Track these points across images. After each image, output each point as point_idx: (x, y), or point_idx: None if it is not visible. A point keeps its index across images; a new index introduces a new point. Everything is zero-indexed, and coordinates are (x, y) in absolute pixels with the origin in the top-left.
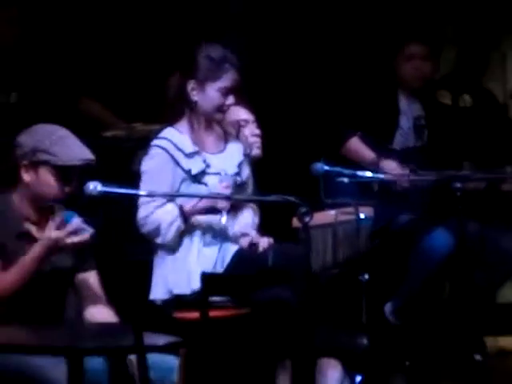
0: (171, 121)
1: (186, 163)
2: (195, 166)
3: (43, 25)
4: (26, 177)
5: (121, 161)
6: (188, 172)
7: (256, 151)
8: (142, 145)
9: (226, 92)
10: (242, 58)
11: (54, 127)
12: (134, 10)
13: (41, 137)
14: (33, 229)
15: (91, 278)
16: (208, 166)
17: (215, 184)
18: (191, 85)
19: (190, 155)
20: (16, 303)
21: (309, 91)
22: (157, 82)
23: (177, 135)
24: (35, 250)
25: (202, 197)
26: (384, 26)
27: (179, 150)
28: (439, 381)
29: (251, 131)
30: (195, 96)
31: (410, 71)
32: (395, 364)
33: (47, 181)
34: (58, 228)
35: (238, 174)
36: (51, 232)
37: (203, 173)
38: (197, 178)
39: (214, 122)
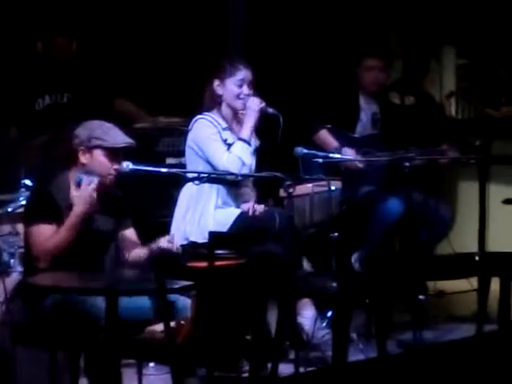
0: (205, 110)
1: (223, 134)
2: (229, 138)
3: (91, 41)
4: (83, 159)
5: (147, 146)
6: (225, 141)
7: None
8: (164, 133)
9: (240, 84)
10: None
11: (101, 121)
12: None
13: (94, 128)
14: None
15: (130, 232)
16: (234, 143)
17: None
18: (216, 82)
19: (225, 129)
20: (71, 255)
21: (291, 91)
22: (176, 83)
23: (212, 116)
24: (72, 212)
25: (210, 173)
26: (347, 42)
27: (218, 123)
28: (391, 314)
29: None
30: (220, 91)
31: (369, 79)
32: (358, 302)
33: (100, 160)
34: (77, 188)
35: (253, 152)
36: (77, 193)
37: (231, 145)
38: (229, 148)
39: (236, 115)
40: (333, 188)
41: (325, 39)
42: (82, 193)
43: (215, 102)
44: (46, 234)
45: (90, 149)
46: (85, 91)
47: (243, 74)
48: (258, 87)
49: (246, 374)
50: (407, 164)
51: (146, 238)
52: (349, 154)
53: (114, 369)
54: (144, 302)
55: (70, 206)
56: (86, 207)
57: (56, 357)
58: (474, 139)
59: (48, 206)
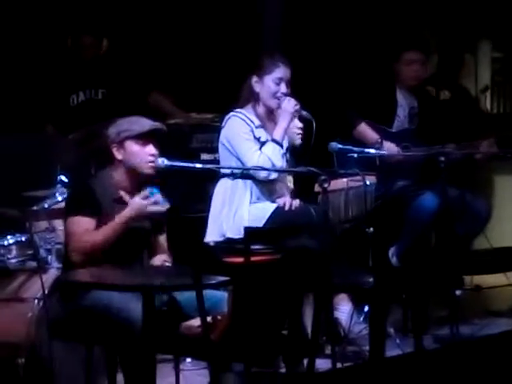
0: (239, 106)
1: (256, 132)
2: (262, 135)
3: (125, 37)
4: (118, 155)
5: (181, 142)
6: (258, 139)
7: (298, 141)
8: (198, 129)
9: (278, 82)
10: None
11: (128, 117)
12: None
13: (121, 123)
14: (126, 196)
15: (162, 239)
16: (267, 141)
17: None
18: (254, 79)
19: (258, 126)
20: (108, 253)
21: (329, 87)
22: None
23: (245, 113)
24: (124, 213)
25: (245, 168)
26: (385, 36)
27: (251, 121)
28: (427, 309)
29: (295, 124)
30: (257, 88)
31: (408, 74)
32: (394, 297)
33: (133, 151)
34: (144, 199)
35: (284, 154)
36: (138, 200)
37: (265, 143)
38: (261, 146)
39: (271, 113)
40: (368, 183)
41: (362, 34)
42: (141, 206)
43: (251, 99)
44: (85, 228)
45: (121, 143)
46: (119, 87)
47: (282, 71)
48: (295, 82)
49: (282, 370)
50: (443, 159)
51: (181, 233)
52: (390, 147)
53: (150, 364)
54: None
55: (112, 202)
56: (134, 220)
57: (93, 352)
58: (511, 133)
59: (90, 200)
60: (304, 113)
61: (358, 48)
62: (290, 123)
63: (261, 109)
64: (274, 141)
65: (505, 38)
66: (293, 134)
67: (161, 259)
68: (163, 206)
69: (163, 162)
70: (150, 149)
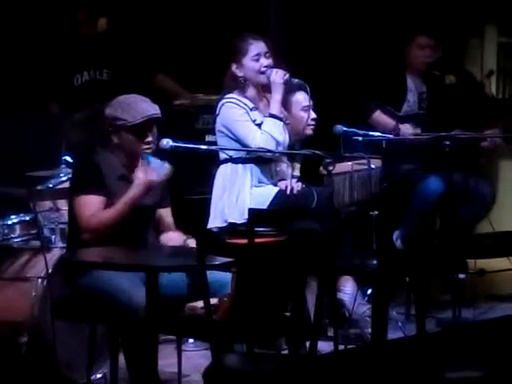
0: (228, 92)
1: (252, 115)
2: (257, 117)
3: (128, 17)
4: (115, 139)
5: (186, 123)
6: (254, 121)
7: (310, 132)
8: (204, 110)
9: (257, 58)
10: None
11: (125, 96)
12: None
13: (115, 107)
14: (129, 174)
15: (166, 213)
16: (263, 122)
17: None
18: (234, 66)
19: (252, 109)
20: (113, 233)
21: (338, 71)
22: (214, 61)
23: (237, 97)
24: (132, 191)
25: (249, 150)
26: (397, 20)
27: (245, 104)
28: (430, 292)
29: (310, 115)
30: (240, 72)
31: (421, 58)
32: (398, 280)
33: (128, 139)
34: (144, 172)
35: (285, 127)
36: (140, 175)
37: (261, 125)
38: (259, 128)
39: (260, 93)
40: (373, 166)
41: (371, 18)
42: (146, 177)
43: (237, 85)
44: (95, 207)
45: (116, 129)
46: (124, 68)
47: (257, 47)
48: (304, 68)
49: (285, 351)
50: (448, 143)
51: (184, 215)
52: (407, 131)
53: (152, 345)
54: (181, 278)
55: (118, 179)
56: (145, 192)
57: (95, 332)
58: None
59: (97, 178)
60: (296, 80)
61: (368, 32)
62: (282, 93)
63: (250, 91)
64: (271, 116)
65: (511, 23)
66: (306, 125)
67: (176, 238)
68: (165, 169)
69: (168, 143)
70: (145, 137)
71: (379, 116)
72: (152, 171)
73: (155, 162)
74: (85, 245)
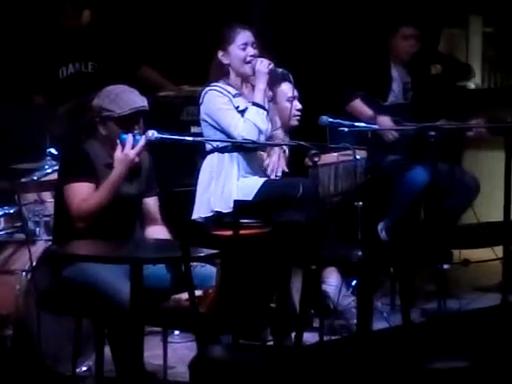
0: (211, 82)
1: (235, 101)
2: (241, 104)
3: (113, 8)
4: (102, 130)
5: (172, 114)
6: (237, 108)
7: (295, 122)
8: (189, 102)
9: (244, 47)
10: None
11: (113, 87)
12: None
13: (103, 97)
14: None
15: (152, 202)
16: (246, 108)
17: None
18: (220, 53)
19: (235, 95)
20: (98, 222)
21: (322, 61)
22: (199, 53)
23: (221, 85)
24: (114, 171)
25: (232, 142)
26: (380, 10)
27: (228, 92)
28: (415, 283)
29: (295, 106)
30: (226, 60)
31: (405, 48)
32: (383, 270)
33: (115, 130)
34: (122, 150)
35: (268, 116)
36: (119, 154)
37: (244, 111)
38: (242, 115)
39: (245, 81)
40: (358, 157)
41: (356, 7)
42: (125, 154)
43: (222, 73)
44: (86, 193)
45: (103, 120)
46: (110, 60)
47: (244, 36)
48: (287, 55)
49: (270, 343)
50: (433, 133)
51: (170, 207)
52: (385, 122)
53: (138, 337)
54: (162, 270)
55: (106, 167)
56: (127, 168)
57: (81, 324)
58: (501, 109)
59: (86, 165)
60: (280, 70)
61: (352, 21)
62: (266, 83)
63: (235, 79)
64: (255, 104)
65: (495, 13)
66: (291, 115)
67: (161, 234)
68: (142, 140)
69: (153, 134)
70: (131, 129)
71: (357, 105)
72: (129, 147)
73: (130, 138)
74: (79, 234)
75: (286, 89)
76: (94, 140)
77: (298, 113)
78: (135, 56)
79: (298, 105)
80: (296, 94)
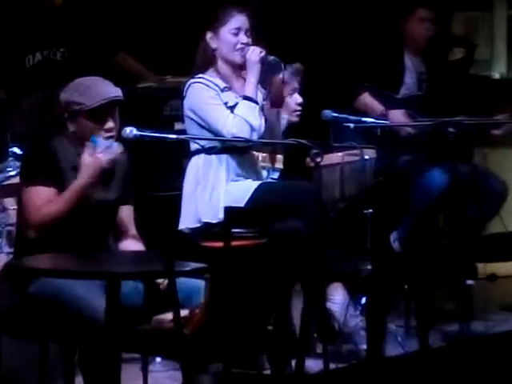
0: (199, 71)
1: (223, 96)
2: (230, 99)
3: None
4: (71, 127)
5: (153, 108)
6: (225, 104)
7: (295, 118)
8: (173, 95)
9: (236, 32)
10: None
11: (84, 79)
12: None
13: (72, 90)
14: None
15: (126, 211)
16: (237, 104)
17: None
18: (209, 35)
19: (224, 89)
20: (65, 233)
21: (326, 49)
22: (185, 40)
23: (208, 77)
24: (80, 177)
25: (224, 140)
26: None
27: (215, 85)
28: (433, 301)
29: (295, 100)
30: (214, 44)
31: (420, 32)
32: (396, 288)
33: (86, 126)
34: (91, 154)
35: (261, 111)
36: (87, 158)
37: (234, 107)
38: (231, 112)
39: (235, 71)
40: (366, 157)
41: None
42: (94, 158)
43: (209, 60)
44: (44, 199)
45: (72, 115)
46: (81, 46)
47: (238, 21)
48: (286, 43)
49: (267, 371)
50: (452, 130)
51: (151, 214)
52: (397, 117)
53: (114, 364)
54: (134, 286)
55: (73, 170)
56: (95, 177)
57: (47, 350)
58: None
59: (50, 167)
60: (271, 58)
61: (360, 4)
62: (259, 74)
63: (223, 68)
64: (246, 98)
65: None
66: (290, 110)
67: (131, 247)
68: (117, 148)
69: (131, 132)
70: (106, 124)
71: (366, 99)
72: (99, 152)
73: (102, 142)
74: (30, 244)
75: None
76: (62, 138)
77: (299, 107)
78: (111, 42)
79: (298, 98)
80: (296, 85)
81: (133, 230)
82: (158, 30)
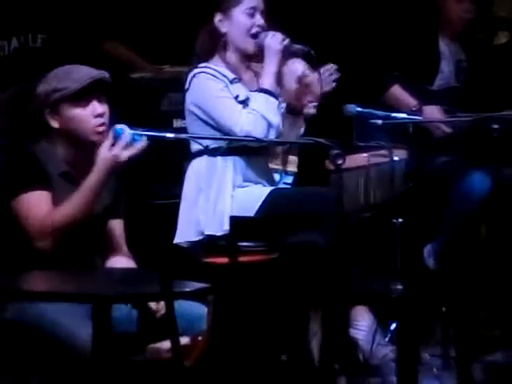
0: (200, 60)
1: (233, 89)
2: (241, 92)
3: None
4: (54, 123)
5: (148, 103)
6: (236, 98)
7: (312, 110)
8: (170, 87)
9: (251, 13)
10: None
11: (61, 67)
12: None
13: (49, 81)
14: (73, 171)
15: (117, 225)
16: (248, 98)
17: None
18: (218, 17)
19: (233, 81)
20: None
21: (349, 34)
22: (185, 24)
23: (214, 67)
24: (94, 173)
25: (232, 139)
26: None
27: (223, 75)
28: (477, 328)
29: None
30: (224, 27)
31: (458, 13)
32: (431, 311)
33: (72, 115)
34: (112, 147)
35: (280, 107)
36: (106, 153)
37: (245, 102)
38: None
39: (247, 60)
40: (396, 158)
41: None
42: (114, 154)
43: (216, 47)
44: (46, 203)
45: (54, 107)
46: (64, 31)
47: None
48: (306, 31)
49: None
50: (496, 127)
51: (145, 225)
52: (432, 113)
53: None
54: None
55: (62, 177)
56: (111, 176)
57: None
58: None
59: (39, 170)
60: (298, 46)
61: None
62: (279, 64)
63: (232, 57)
64: (263, 91)
65: None
66: (305, 101)
67: (122, 264)
68: (140, 143)
69: (123, 130)
70: (94, 108)
71: (396, 91)
72: (122, 145)
73: (128, 134)
74: (41, 257)
75: (298, 67)
76: (44, 140)
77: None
78: (99, 26)
79: None
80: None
81: (124, 247)
82: (153, 13)
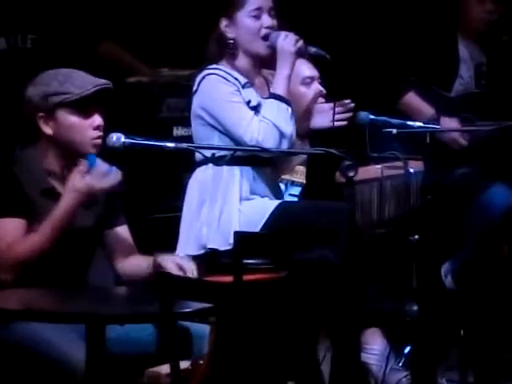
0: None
1: (245, 94)
2: (253, 97)
3: None
4: (47, 129)
5: (146, 109)
6: (248, 103)
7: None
8: (170, 92)
9: (257, 14)
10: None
11: (56, 70)
12: None
13: (47, 82)
14: (60, 187)
15: (121, 232)
16: (260, 104)
17: None
18: (224, 23)
19: (245, 85)
20: (38, 265)
21: (362, 37)
22: (185, 25)
23: (225, 69)
24: (64, 203)
25: (237, 149)
26: None
27: (235, 78)
28: (497, 353)
29: (315, 90)
30: (231, 32)
31: (480, 14)
32: (448, 334)
33: (69, 123)
34: (83, 175)
35: (292, 115)
36: (78, 180)
37: (257, 108)
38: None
39: (257, 64)
40: (412, 170)
41: None
42: (88, 184)
43: (225, 52)
44: (13, 233)
45: (50, 112)
46: (55, 32)
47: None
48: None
49: None
50: None
51: (143, 240)
52: (451, 122)
53: None
54: (144, 331)
55: (43, 195)
56: (79, 205)
57: None
58: None
59: (16, 194)
60: (313, 49)
61: None
62: (293, 68)
63: (242, 61)
64: (275, 97)
65: None
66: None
67: (139, 264)
68: (115, 175)
69: (119, 139)
70: (94, 120)
71: (411, 99)
72: (94, 175)
73: (101, 165)
74: (9, 286)
75: (303, 69)
76: (31, 151)
77: (323, 101)
78: (94, 27)
79: (319, 88)
80: (316, 74)
81: (134, 247)
82: (152, 14)
